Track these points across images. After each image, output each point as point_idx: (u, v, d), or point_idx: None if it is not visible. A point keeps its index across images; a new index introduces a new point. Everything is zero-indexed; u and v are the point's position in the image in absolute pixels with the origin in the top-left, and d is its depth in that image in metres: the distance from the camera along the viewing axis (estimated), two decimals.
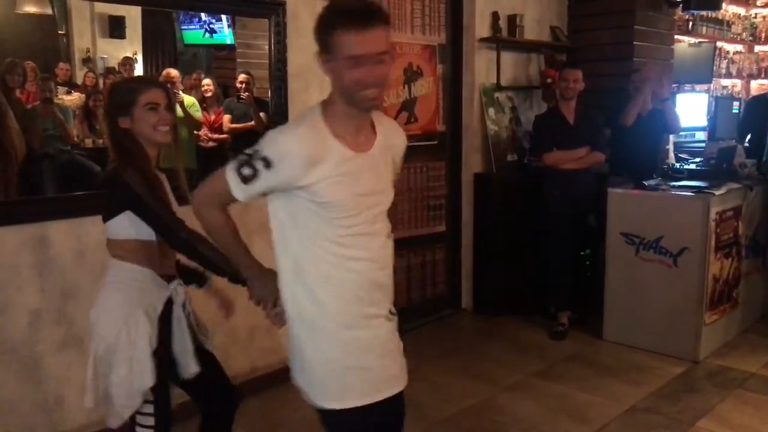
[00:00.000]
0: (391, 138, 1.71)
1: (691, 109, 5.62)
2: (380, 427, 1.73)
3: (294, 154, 1.52)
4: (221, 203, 1.66)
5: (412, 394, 3.30)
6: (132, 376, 1.92)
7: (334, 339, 1.65)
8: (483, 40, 4.41)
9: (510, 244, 4.46)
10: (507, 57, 4.61)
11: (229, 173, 1.57)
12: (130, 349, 1.92)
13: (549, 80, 4.66)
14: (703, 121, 5.70)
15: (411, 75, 4.19)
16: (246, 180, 1.55)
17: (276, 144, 1.54)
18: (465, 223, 4.56)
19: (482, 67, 4.46)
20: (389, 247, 1.72)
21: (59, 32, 4.79)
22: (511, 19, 4.57)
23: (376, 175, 1.64)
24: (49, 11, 4.49)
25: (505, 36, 4.52)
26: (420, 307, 4.41)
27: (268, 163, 1.53)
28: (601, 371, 3.67)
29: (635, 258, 3.90)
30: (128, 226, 1.96)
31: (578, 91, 4.07)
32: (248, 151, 1.56)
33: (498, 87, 4.54)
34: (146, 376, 1.93)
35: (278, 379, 3.42)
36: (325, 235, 1.59)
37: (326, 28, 1.51)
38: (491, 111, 4.51)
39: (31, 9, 4.01)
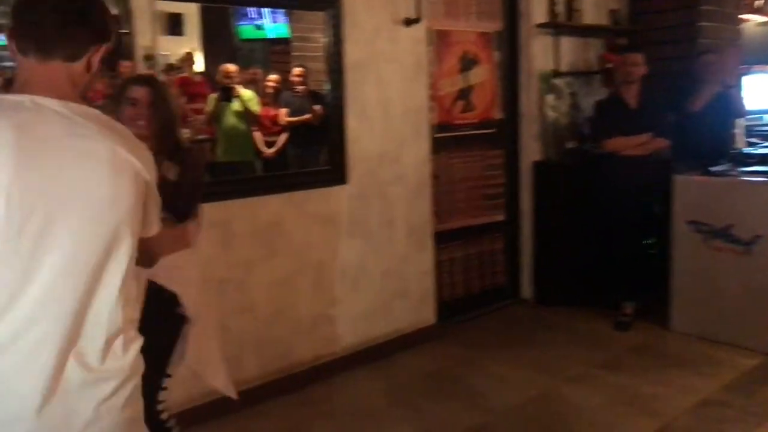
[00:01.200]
0: None
1: (761, 91, 5.38)
2: None
3: None
4: None
5: (473, 383, 3.34)
6: None
7: None
8: (540, 25, 4.33)
9: (571, 233, 4.37)
10: (565, 42, 4.51)
11: None
12: None
13: (609, 65, 4.54)
14: None
15: (467, 63, 4.14)
16: None
17: None
18: (524, 211, 4.51)
19: (540, 53, 4.38)
20: None
21: (122, 31, 4.95)
22: (569, 4, 4.46)
23: None
24: (114, 11, 4.64)
25: (563, 21, 4.42)
26: (479, 298, 4.38)
27: None
28: (669, 363, 3.57)
29: (703, 246, 3.77)
30: None
31: (640, 75, 3.94)
32: None
33: (556, 73, 4.45)
34: None
35: (341, 366, 3.48)
36: None
37: None
38: (549, 97, 4.42)
39: None
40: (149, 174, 1.28)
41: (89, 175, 1.19)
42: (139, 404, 1.29)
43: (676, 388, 3.26)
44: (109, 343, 1.21)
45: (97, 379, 1.19)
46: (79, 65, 1.26)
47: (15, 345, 1.13)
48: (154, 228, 1.36)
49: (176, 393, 2.91)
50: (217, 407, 3.02)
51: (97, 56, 1.30)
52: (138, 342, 1.28)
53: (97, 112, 1.27)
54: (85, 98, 1.33)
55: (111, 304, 1.21)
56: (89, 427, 1.18)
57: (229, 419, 3.02)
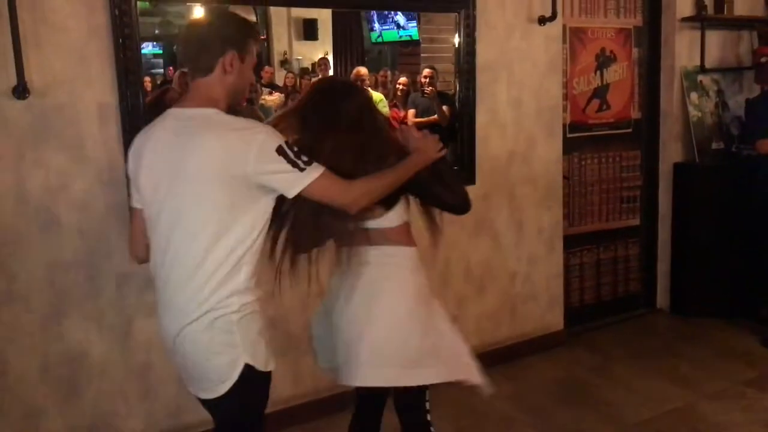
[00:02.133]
0: None
1: None
2: None
3: None
4: (344, 182, 1.72)
5: (603, 393, 3.22)
6: None
7: None
8: (685, 19, 4.08)
9: (714, 240, 4.09)
10: (712, 36, 4.22)
11: (312, 174, 1.64)
12: None
13: (763, 59, 4.17)
14: None
15: (603, 60, 4.00)
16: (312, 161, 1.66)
17: (277, 134, 1.66)
18: (662, 216, 4.27)
19: (683, 49, 4.13)
20: None
21: (261, 37, 5.23)
22: None
23: None
24: (254, 18, 4.92)
25: (711, 13, 4.13)
26: (610, 305, 4.22)
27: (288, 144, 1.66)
28: None
29: None
30: None
31: None
32: (286, 154, 1.61)
33: (702, 69, 4.17)
34: None
35: None
36: None
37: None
38: (693, 95, 4.16)
39: None
40: (245, 155, 1.58)
41: (187, 161, 1.60)
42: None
43: None
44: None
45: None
46: (213, 76, 1.67)
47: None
48: (294, 190, 1.64)
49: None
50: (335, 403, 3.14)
51: (228, 59, 1.66)
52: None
53: (204, 112, 1.64)
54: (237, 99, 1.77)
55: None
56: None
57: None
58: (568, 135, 3.86)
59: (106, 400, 2.64)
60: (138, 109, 2.54)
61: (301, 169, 1.62)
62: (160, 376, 2.73)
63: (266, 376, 1.71)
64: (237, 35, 1.69)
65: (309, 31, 5.62)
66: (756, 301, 3.98)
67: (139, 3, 2.52)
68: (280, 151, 1.60)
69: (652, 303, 4.37)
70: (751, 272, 3.99)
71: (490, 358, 3.53)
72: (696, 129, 4.14)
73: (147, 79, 4.69)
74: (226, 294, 1.62)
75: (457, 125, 3.47)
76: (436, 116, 4.08)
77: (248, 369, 1.65)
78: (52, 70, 2.39)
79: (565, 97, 3.83)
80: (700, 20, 4.10)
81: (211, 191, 1.59)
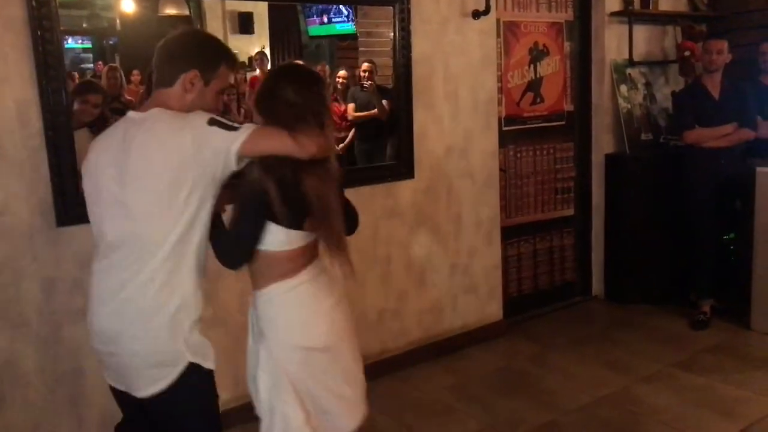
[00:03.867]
0: None
1: None
2: None
3: None
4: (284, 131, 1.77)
5: (541, 381, 3.29)
6: None
7: None
8: (614, 14, 4.20)
9: (645, 228, 4.23)
10: (640, 30, 4.36)
11: (243, 133, 1.67)
12: None
13: (687, 53, 4.35)
14: None
15: (536, 54, 4.07)
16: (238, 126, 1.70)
17: (200, 115, 1.71)
18: (595, 206, 4.39)
19: (613, 43, 4.25)
20: None
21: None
22: None
23: None
24: (187, 12, 4.78)
25: (638, 8, 4.27)
26: (548, 294, 4.31)
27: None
28: (750, 364, 3.42)
29: None
30: None
31: (723, 63, 3.78)
32: (222, 122, 1.68)
33: (630, 63, 4.30)
34: None
35: (407, 360, 3.49)
36: None
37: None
38: (623, 88, 4.29)
39: (171, 11, 4.29)
40: (188, 138, 1.63)
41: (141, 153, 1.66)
42: None
43: (757, 391, 3.12)
44: None
45: None
46: (174, 89, 1.73)
47: None
48: (234, 147, 1.66)
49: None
50: None
51: (189, 77, 1.73)
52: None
53: (154, 112, 1.70)
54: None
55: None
56: None
57: None
58: (504, 128, 3.92)
59: (34, 409, 2.53)
60: (61, 105, 2.43)
61: (236, 129, 1.66)
62: (92, 383, 2.63)
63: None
64: (206, 57, 1.76)
65: (245, 25, 5.49)
66: (685, 286, 4.13)
67: None
68: (211, 122, 1.66)
69: (588, 291, 4.49)
70: (680, 259, 4.14)
71: (432, 351, 3.58)
72: (626, 121, 4.27)
73: (76, 74, 4.50)
74: None
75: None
76: (376, 110, 4.07)
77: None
78: None
79: (500, 90, 3.88)
80: (628, 15, 4.23)
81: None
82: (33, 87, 2.38)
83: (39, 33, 2.34)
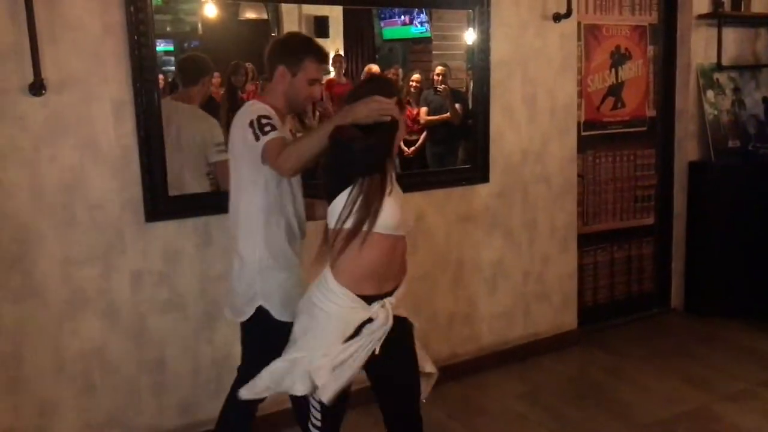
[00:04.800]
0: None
1: None
2: None
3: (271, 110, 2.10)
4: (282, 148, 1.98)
5: (617, 393, 3.20)
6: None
7: None
8: (702, 16, 4.04)
9: (729, 239, 4.05)
10: (729, 33, 4.18)
11: (268, 137, 1.98)
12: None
13: None
14: None
15: (618, 58, 3.96)
16: (274, 129, 2.00)
17: (260, 109, 2.08)
18: (677, 215, 4.23)
19: (700, 46, 4.09)
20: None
21: (272, 35, 5.22)
22: None
23: None
24: (265, 16, 4.91)
25: (728, 11, 4.09)
26: (624, 304, 4.19)
27: (267, 117, 2.04)
28: None
29: None
30: None
31: None
32: (254, 125, 2.00)
33: (719, 67, 4.13)
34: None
35: (477, 366, 3.46)
36: None
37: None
38: (710, 93, 4.12)
39: (251, 15, 4.43)
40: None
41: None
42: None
43: None
44: None
45: None
46: (273, 82, 2.17)
47: None
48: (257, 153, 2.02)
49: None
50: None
51: (279, 72, 2.14)
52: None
53: (248, 103, 2.17)
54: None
55: None
56: None
57: (360, 411, 3.11)
58: (583, 133, 3.83)
59: (120, 396, 2.66)
60: (153, 106, 2.55)
61: (258, 138, 1.99)
62: (174, 372, 2.74)
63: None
64: (290, 54, 2.14)
65: (320, 28, 5.58)
66: None
67: (153, 0, 2.52)
68: (251, 124, 2.01)
69: (666, 302, 4.33)
70: (766, 272, 3.94)
71: (502, 357, 3.54)
72: (712, 127, 4.10)
73: (161, 77, 4.70)
74: None
75: (470, 123, 3.45)
76: (448, 114, 4.06)
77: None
78: (68, 67, 2.40)
79: (580, 94, 3.80)
80: (717, 17, 4.06)
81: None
82: (128, 88, 2.50)
83: (136, 37, 2.46)
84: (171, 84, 5.47)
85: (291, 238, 2.18)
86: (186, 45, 5.82)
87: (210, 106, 3.34)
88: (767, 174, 3.82)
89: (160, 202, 2.60)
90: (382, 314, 1.86)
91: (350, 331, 1.84)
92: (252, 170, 2.08)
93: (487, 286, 3.50)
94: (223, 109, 3.74)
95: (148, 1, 2.47)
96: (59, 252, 2.47)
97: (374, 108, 1.83)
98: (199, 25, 4.83)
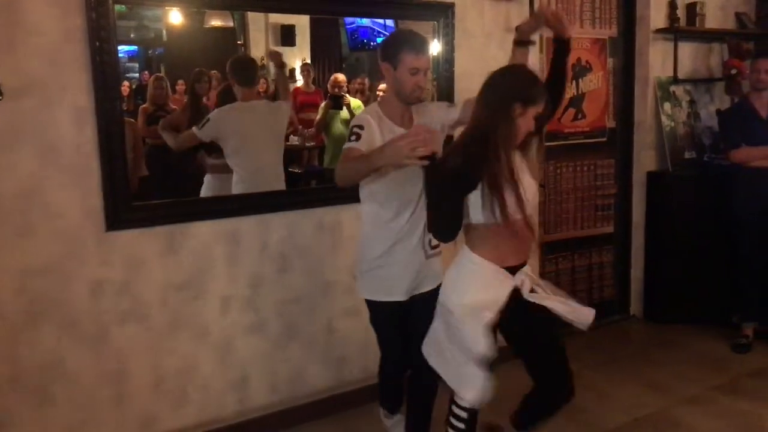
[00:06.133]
0: (424, 114, 2.43)
1: None
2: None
3: (371, 120, 2.28)
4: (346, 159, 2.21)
5: (578, 401, 3.22)
6: None
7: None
8: (659, 31, 4.16)
9: (686, 248, 4.16)
10: (685, 48, 4.31)
11: (348, 145, 2.21)
12: None
13: (734, 71, 4.28)
14: None
15: (579, 70, 4.05)
16: (357, 140, 2.20)
17: (360, 119, 2.30)
18: (635, 224, 4.34)
19: (657, 60, 4.21)
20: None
21: (238, 43, 5.18)
22: (691, 8, 4.26)
23: None
24: (231, 24, 4.88)
25: (684, 26, 4.22)
26: None
27: (361, 127, 2.24)
28: None
29: None
30: None
31: None
32: (350, 131, 2.25)
33: (675, 80, 4.25)
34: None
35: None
36: None
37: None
38: (666, 105, 4.24)
39: (216, 23, 4.39)
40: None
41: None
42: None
43: None
44: None
45: None
46: (386, 78, 2.35)
47: None
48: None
49: (282, 391, 3.04)
50: (321, 407, 3.13)
51: (384, 68, 2.33)
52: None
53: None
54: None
55: None
56: None
57: (331, 419, 3.11)
58: (544, 143, 3.90)
59: (80, 409, 2.60)
60: (115, 113, 2.51)
61: (348, 141, 2.21)
62: (136, 384, 2.70)
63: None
64: (388, 50, 2.31)
65: (287, 37, 5.57)
66: (727, 307, 4.05)
67: (115, 6, 2.49)
68: (350, 131, 2.25)
69: (626, 310, 4.43)
70: (722, 279, 4.06)
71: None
72: (669, 138, 4.21)
73: (125, 83, 4.63)
74: None
75: None
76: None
77: None
78: (26, 73, 2.36)
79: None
80: (673, 32, 4.18)
81: None
82: (89, 95, 2.46)
83: (97, 44, 2.43)
84: (135, 91, 5.41)
85: None
86: (151, 52, 5.75)
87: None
88: (721, 184, 3.94)
89: (122, 211, 2.57)
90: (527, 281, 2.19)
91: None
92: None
93: None
94: (185, 116, 3.71)
95: (110, 7, 2.44)
96: (16, 261, 2.41)
97: (397, 154, 1.92)
98: (164, 32, 4.78)
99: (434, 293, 2.31)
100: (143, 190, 3.17)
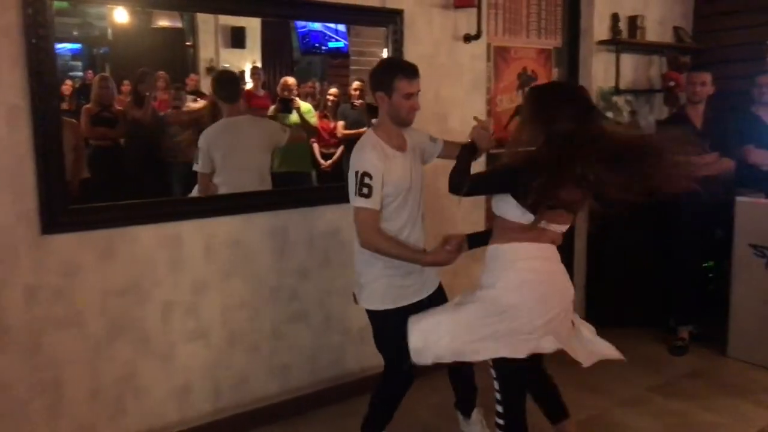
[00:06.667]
0: (412, 137, 2.54)
1: None
2: None
3: (376, 161, 2.34)
4: (375, 227, 2.36)
5: None
6: None
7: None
8: (602, 42, 4.29)
9: (626, 253, 4.29)
10: (627, 59, 4.45)
11: (358, 202, 2.32)
12: None
13: (672, 83, 4.45)
14: None
15: (525, 80, 4.14)
16: (369, 195, 2.30)
17: (367, 162, 2.32)
18: (577, 230, 4.44)
19: (600, 71, 4.33)
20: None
21: (187, 44, 5.08)
22: (632, 21, 4.41)
23: (411, 168, 2.49)
24: (180, 25, 4.79)
25: (625, 38, 4.36)
26: None
27: (369, 176, 2.30)
28: (726, 390, 3.46)
29: (765, 271, 3.65)
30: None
31: (706, 94, 3.86)
32: (356, 178, 2.31)
33: (616, 91, 4.39)
34: None
35: None
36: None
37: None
38: (609, 115, 4.36)
39: (164, 23, 4.31)
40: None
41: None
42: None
43: (733, 417, 3.17)
44: None
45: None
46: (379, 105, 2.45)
47: None
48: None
49: (225, 398, 3.00)
50: (265, 414, 3.10)
51: (378, 97, 2.44)
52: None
53: (365, 133, 2.52)
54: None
55: None
56: None
57: (277, 426, 3.08)
58: (491, 151, 3.95)
59: (9, 421, 2.50)
60: (52, 113, 2.43)
61: (355, 193, 2.32)
62: (71, 394, 2.61)
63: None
64: (381, 80, 2.40)
65: (237, 39, 5.50)
66: (665, 311, 4.18)
67: (55, 3, 2.41)
68: (356, 174, 2.32)
69: None
70: (660, 284, 4.19)
71: (416, 371, 3.57)
72: None
73: (68, 82, 4.49)
74: None
75: None
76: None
77: None
78: None
79: (489, 113, 3.93)
80: (615, 44, 4.32)
81: None
82: (24, 94, 2.38)
83: (33, 41, 2.35)
84: (78, 90, 5.25)
85: None
86: (95, 51, 5.59)
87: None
88: (662, 193, 4.05)
89: (59, 214, 2.48)
90: None
91: None
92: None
93: None
94: (129, 117, 3.64)
95: (47, 3, 2.37)
96: None
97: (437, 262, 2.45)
98: (109, 31, 4.66)
99: (437, 295, 2.57)
100: (85, 192, 3.08)
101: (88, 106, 3.66)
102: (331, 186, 3.90)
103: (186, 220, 2.83)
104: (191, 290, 2.86)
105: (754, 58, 4.47)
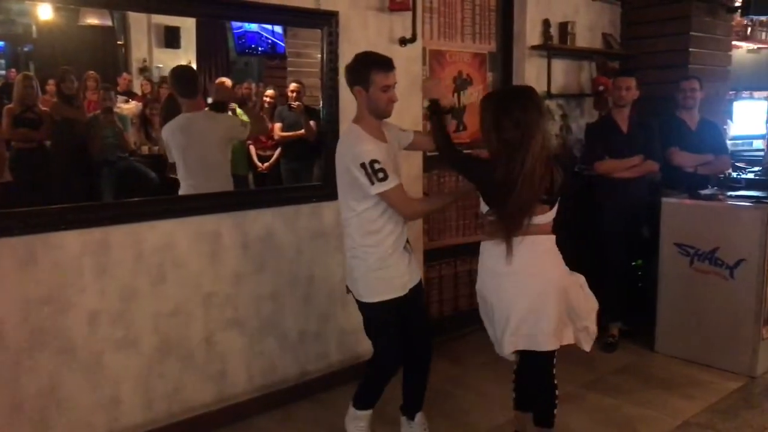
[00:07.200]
0: (390, 129, 2.68)
1: (750, 117, 5.46)
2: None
3: (374, 147, 2.49)
4: (409, 198, 2.61)
5: (459, 401, 3.34)
6: None
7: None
8: (534, 47, 4.39)
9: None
10: (558, 64, 4.58)
11: (381, 188, 2.45)
12: None
13: (601, 88, 4.60)
14: (761, 129, 5.53)
15: (460, 83, 4.19)
16: (386, 177, 2.44)
17: (368, 151, 2.45)
18: None
19: (533, 75, 4.44)
20: None
21: (118, 43, 4.93)
22: (563, 27, 4.54)
23: (394, 158, 2.63)
24: (109, 23, 4.64)
25: (557, 44, 4.48)
26: (465, 316, 4.38)
27: (377, 161, 2.43)
28: (653, 384, 3.60)
29: (689, 269, 3.81)
30: None
31: (632, 99, 4.00)
32: (367, 169, 2.43)
33: (548, 95, 4.50)
34: None
35: (328, 384, 3.47)
36: None
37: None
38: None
39: (92, 21, 4.17)
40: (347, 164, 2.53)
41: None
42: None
43: (661, 410, 3.29)
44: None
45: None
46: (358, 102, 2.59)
47: None
48: (371, 193, 2.54)
49: (158, 408, 2.92)
50: (201, 423, 3.03)
51: (356, 91, 2.56)
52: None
53: (347, 128, 2.67)
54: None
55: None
56: None
57: None
58: (427, 153, 3.99)
59: None
60: None
61: (372, 182, 2.43)
62: None
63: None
64: (358, 74, 2.52)
65: (171, 39, 5.38)
66: (599, 310, 4.29)
67: None
68: (362, 166, 2.42)
69: None
70: (591, 283, 4.30)
71: (353, 374, 3.57)
72: None
73: None
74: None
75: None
76: (303, 131, 4.07)
77: None
78: None
79: (425, 116, 3.96)
80: (547, 49, 4.43)
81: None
82: None
83: None
84: (0, 89, 5.01)
85: None
86: (19, 48, 5.35)
87: None
88: (592, 194, 4.18)
89: None
90: None
91: None
92: (354, 200, 2.53)
93: (338, 302, 3.53)
94: (60, 116, 3.52)
95: None
96: None
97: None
98: (34, 28, 4.47)
99: (418, 288, 2.74)
100: (5, 197, 2.95)
101: (10, 106, 3.52)
102: (266, 189, 3.86)
103: (114, 225, 2.74)
104: (119, 297, 2.77)
105: (677, 64, 4.68)
